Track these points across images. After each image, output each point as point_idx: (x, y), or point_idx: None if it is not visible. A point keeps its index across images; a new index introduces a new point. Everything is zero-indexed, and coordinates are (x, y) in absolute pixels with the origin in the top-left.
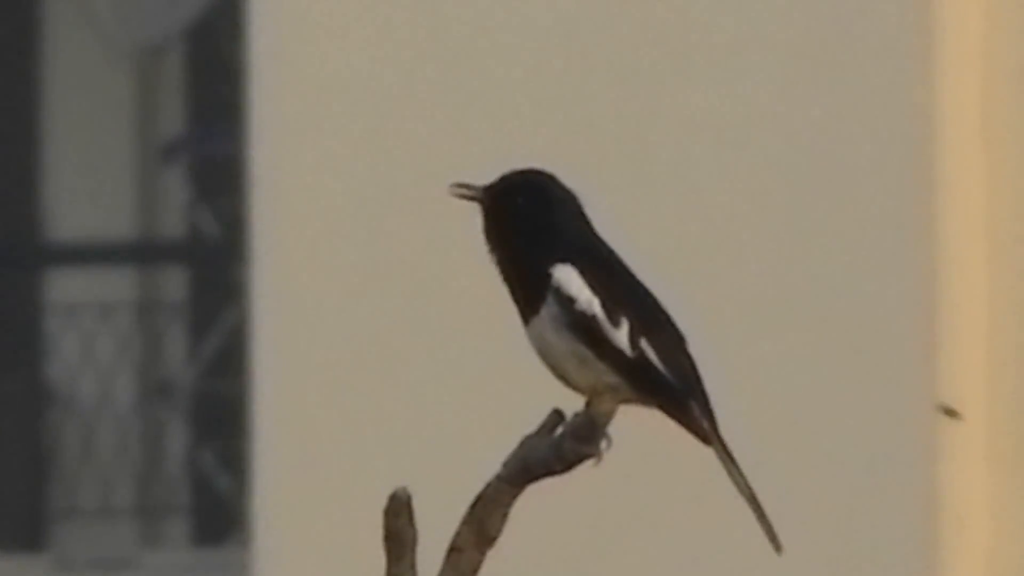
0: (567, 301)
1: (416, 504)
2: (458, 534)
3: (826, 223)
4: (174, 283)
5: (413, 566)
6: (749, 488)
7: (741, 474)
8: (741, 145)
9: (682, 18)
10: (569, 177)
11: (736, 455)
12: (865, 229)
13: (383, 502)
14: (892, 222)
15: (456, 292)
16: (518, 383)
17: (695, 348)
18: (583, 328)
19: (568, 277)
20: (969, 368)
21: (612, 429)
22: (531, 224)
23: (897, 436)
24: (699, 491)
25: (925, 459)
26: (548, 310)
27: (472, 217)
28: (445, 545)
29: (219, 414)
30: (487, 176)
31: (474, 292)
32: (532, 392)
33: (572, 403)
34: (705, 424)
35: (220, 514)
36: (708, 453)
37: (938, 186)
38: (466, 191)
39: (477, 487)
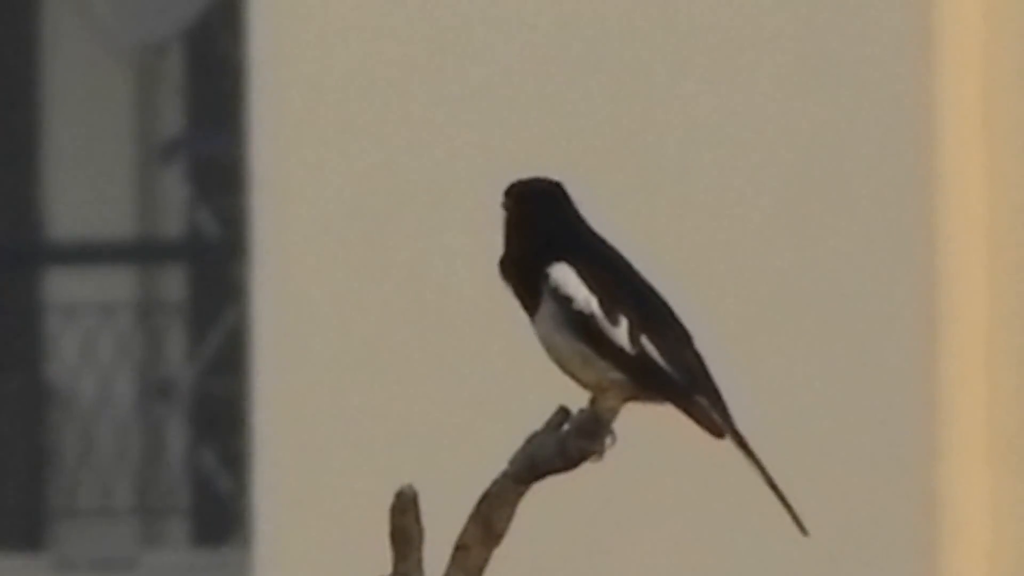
0: (565, 300)
1: (422, 502)
2: (464, 531)
3: (826, 223)
4: (174, 283)
5: (420, 564)
6: (770, 477)
7: (761, 464)
8: (742, 145)
9: (682, 19)
10: (571, 177)
11: (735, 454)
12: (865, 229)
13: (383, 501)
14: (892, 222)
15: (456, 291)
16: (523, 381)
17: (700, 349)
18: (582, 327)
19: (565, 275)
20: (969, 368)
21: (618, 427)
22: (529, 224)
23: (897, 436)
24: (705, 488)
25: (925, 459)
26: (547, 309)
27: (470, 218)
28: (452, 543)
29: (219, 414)
30: (485, 175)
31: (475, 291)
32: (537, 389)
33: (578, 400)
34: (716, 417)
35: (220, 514)
36: (714, 451)
37: (938, 186)
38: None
39: (483, 485)
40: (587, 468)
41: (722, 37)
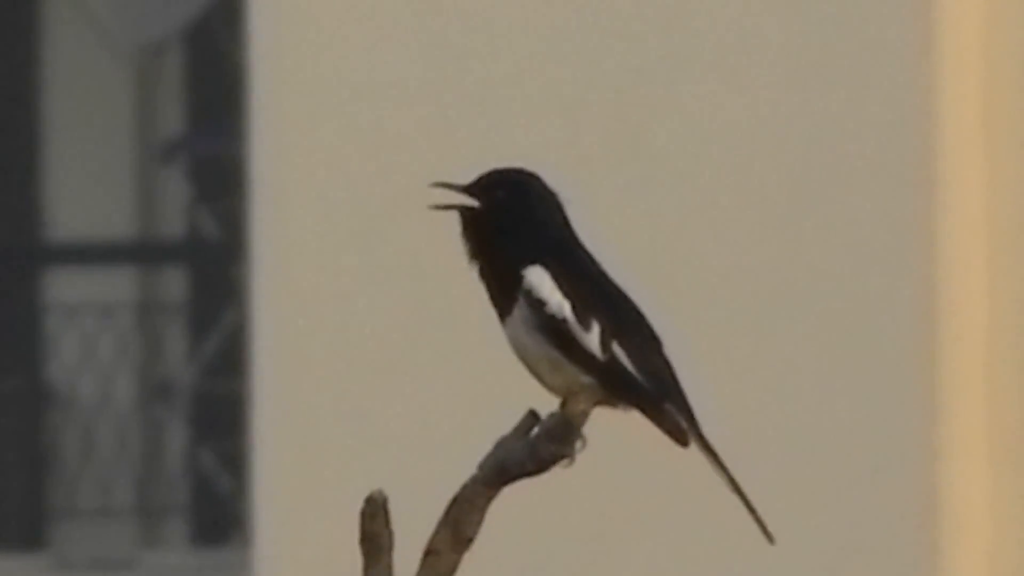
0: (538, 304)
1: (420, 501)
2: (434, 536)
3: (826, 223)
4: (174, 283)
5: (390, 568)
6: (736, 483)
7: (727, 470)
8: (741, 145)
9: (682, 19)
10: (567, 178)
11: (736, 456)
12: (865, 229)
13: None
14: (892, 222)
15: (452, 293)
16: (494, 385)
17: (698, 349)
18: (554, 331)
19: (539, 279)
20: (969, 368)
21: (590, 431)
22: (507, 220)
23: (897, 436)
24: (679, 491)
25: (925, 459)
26: (520, 312)
27: None
28: (422, 547)
29: (219, 414)
30: None
31: (469, 294)
32: (508, 393)
33: (547, 404)
34: (683, 425)
35: (220, 514)
36: (685, 455)
37: (938, 186)
38: (448, 190)
39: (454, 488)
40: (557, 472)
41: (721, 37)
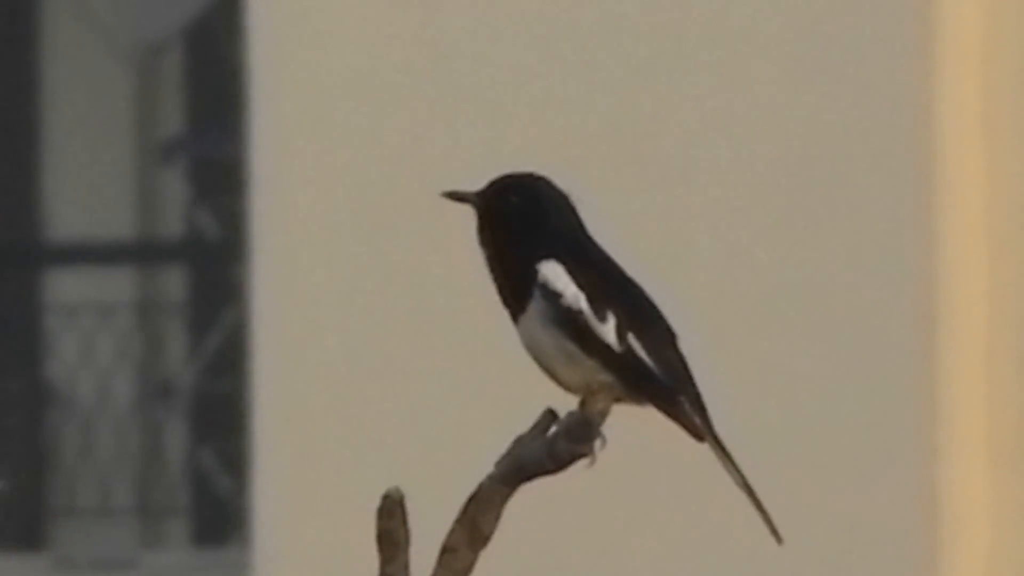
0: (553, 296)
1: (410, 503)
2: (451, 534)
3: (826, 223)
4: (174, 283)
5: (406, 566)
6: (746, 481)
7: (737, 468)
8: (741, 145)
9: (682, 19)
10: (569, 177)
11: (736, 455)
12: (865, 229)
13: None
14: (892, 222)
15: (453, 293)
16: (512, 383)
17: (701, 348)
18: (570, 323)
19: (554, 272)
20: (969, 368)
21: (606, 428)
22: (520, 222)
23: (897, 436)
24: (693, 490)
25: (925, 459)
26: (535, 306)
27: (471, 218)
28: (438, 545)
29: (219, 414)
30: (485, 176)
31: (470, 293)
32: (526, 392)
33: (566, 402)
34: (697, 420)
35: (220, 514)
36: (701, 451)
37: (938, 186)
38: (459, 195)
39: (471, 486)
40: (573, 470)
41: (722, 37)
